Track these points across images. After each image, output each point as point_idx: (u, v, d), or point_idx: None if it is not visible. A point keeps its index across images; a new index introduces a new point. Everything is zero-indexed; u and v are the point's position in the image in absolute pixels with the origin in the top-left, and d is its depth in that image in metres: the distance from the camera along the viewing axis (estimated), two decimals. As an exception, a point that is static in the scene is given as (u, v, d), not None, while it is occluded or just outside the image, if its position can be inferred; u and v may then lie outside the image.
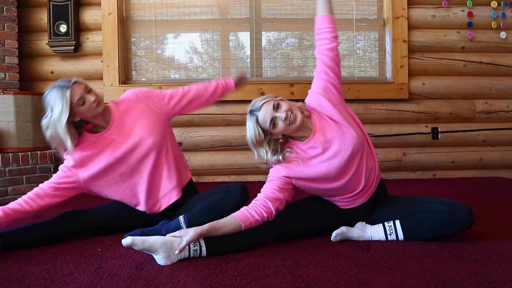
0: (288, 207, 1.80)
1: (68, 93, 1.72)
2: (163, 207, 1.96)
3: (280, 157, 1.72)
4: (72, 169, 1.84)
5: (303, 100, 1.81)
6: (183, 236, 1.51)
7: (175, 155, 1.99)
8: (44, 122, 1.73)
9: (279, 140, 1.74)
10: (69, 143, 1.73)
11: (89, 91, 1.80)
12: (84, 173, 1.85)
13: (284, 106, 1.67)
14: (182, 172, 2.03)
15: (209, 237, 1.59)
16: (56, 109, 1.70)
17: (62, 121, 1.70)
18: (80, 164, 1.84)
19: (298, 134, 1.73)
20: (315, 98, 1.76)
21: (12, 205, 1.76)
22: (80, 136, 1.85)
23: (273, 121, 1.66)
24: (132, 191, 1.92)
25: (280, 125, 1.66)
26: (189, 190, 2.06)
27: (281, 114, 1.65)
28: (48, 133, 1.74)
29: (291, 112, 1.66)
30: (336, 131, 1.71)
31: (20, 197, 1.80)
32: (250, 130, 1.70)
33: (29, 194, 1.80)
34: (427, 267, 1.43)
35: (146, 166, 1.90)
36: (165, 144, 1.94)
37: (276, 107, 1.67)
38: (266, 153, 1.72)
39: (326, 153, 1.70)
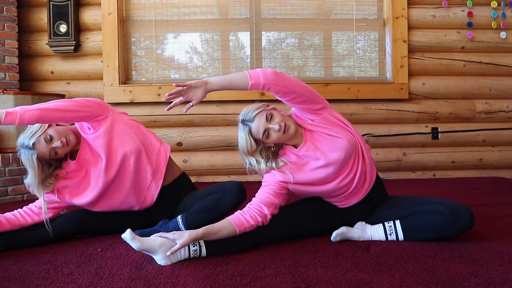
0: (288, 208, 1.80)
1: (34, 159, 1.75)
2: (155, 195, 1.96)
3: (274, 164, 1.73)
4: (60, 198, 1.88)
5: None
6: (177, 239, 1.50)
7: (143, 143, 1.92)
8: (25, 181, 1.83)
9: (271, 148, 1.75)
10: (42, 199, 1.80)
11: (51, 138, 1.77)
12: (71, 200, 1.89)
13: (277, 117, 1.68)
14: (154, 154, 1.94)
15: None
16: (29, 173, 1.78)
17: (34, 185, 1.78)
18: (68, 194, 1.88)
19: (290, 142, 1.75)
20: (298, 112, 1.77)
21: (8, 215, 1.80)
22: (62, 164, 1.89)
23: (266, 132, 1.66)
24: (120, 199, 1.92)
25: (273, 135, 1.67)
26: (182, 181, 2.06)
27: (275, 125, 1.65)
28: (29, 189, 1.83)
29: (284, 122, 1.67)
30: (326, 139, 1.72)
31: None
32: (242, 140, 1.70)
33: (25, 209, 1.85)
34: (427, 267, 1.43)
35: (127, 171, 1.89)
36: (137, 144, 1.89)
37: (269, 118, 1.67)
38: (258, 162, 1.72)
39: (319, 161, 1.71)
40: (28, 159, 1.75)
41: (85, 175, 1.90)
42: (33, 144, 1.74)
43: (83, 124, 1.86)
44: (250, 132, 1.68)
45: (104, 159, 1.84)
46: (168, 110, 1.69)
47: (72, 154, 1.91)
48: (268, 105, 1.72)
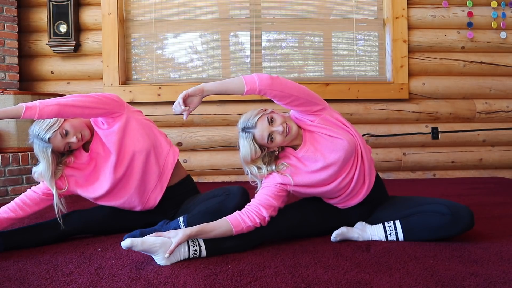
0: (288, 207, 1.80)
1: (49, 153, 1.75)
2: (158, 198, 1.96)
3: (274, 167, 1.73)
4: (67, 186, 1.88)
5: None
6: (173, 238, 1.51)
7: (153, 144, 1.92)
8: (34, 169, 1.82)
9: (275, 152, 1.75)
10: (54, 190, 1.80)
11: (66, 133, 1.76)
12: (77, 191, 1.89)
13: (278, 119, 1.68)
14: (162, 156, 1.94)
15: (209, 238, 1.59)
16: (42, 164, 1.78)
17: (47, 176, 1.78)
18: (74, 184, 1.88)
19: (291, 143, 1.75)
20: (297, 114, 1.77)
21: (6, 212, 1.77)
22: (73, 153, 1.88)
23: (271, 135, 1.66)
24: (124, 197, 1.92)
25: (278, 138, 1.67)
26: (186, 183, 2.06)
27: (278, 128, 1.65)
28: (35, 177, 1.83)
29: (286, 123, 1.67)
30: (325, 140, 1.72)
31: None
32: (246, 148, 1.68)
33: (23, 198, 1.81)
34: (427, 267, 1.43)
35: (135, 171, 1.89)
36: (147, 145, 1.89)
37: (271, 121, 1.67)
38: (260, 169, 1.72)
39: (319, 163, 1.71)
40: (42, 152, 1.75)
41: (94, 168, 1.90)
42: (49, 138, 1.73)
43: (97, 119, 1.86)
44: (254, 138, 1.67)
45: (115, 156, 1.84)
46: (186, 119, 1.67)
47: (84, 145, 1.90)
48: (266, 109, 1.71)
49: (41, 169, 1.77)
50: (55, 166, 1.80)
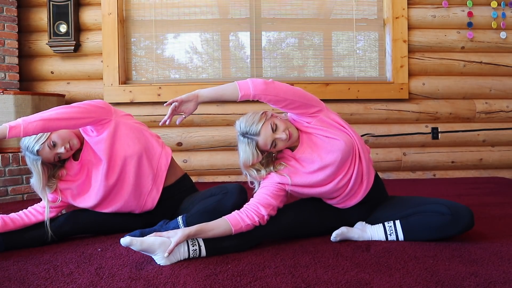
0: (288, 208, 1.80)
1: (39, 165, 1.76)
2: (156, 200, 1.96)
3: (272, 168, 1.74)
4: (62, 199, 1.89)
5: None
6: (172, 237, 1.51)
7: (144, 148, 1.91)
8: (30, 181, 1.84)
9: (273, 154, 1.76)
10: (46, 202, 1.81)
11: (54, 145, 1.77)
12: (73, 202, 1.91)
13: (281, 125, 1.68)
14: (155, 158, 1.94)
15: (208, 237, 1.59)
16: (34, 176, 1.80)
17: (38, 188, 1.80)
18: (70, 196, 1.90)
19: (289, 145, 1.75)
20: (294, 116, 1.78)
21: (13, 216, 1.81)
22: (65, 165, 1.89)
23: (274, 142, 1.67)
24: (120, 202, 1.92)
25: (280, 144, 1.68)
26: (183, 182, 2.06)
27: (282, 135, 1.66)
28: (34, 189, 1.84)
29: (288, 130, 1.68)
30: (322, 141, 1.72)
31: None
32: (248, 153, 1.68)
33: (30, 208, 1.86)
34: (427, 267, 1.43)
35: (128, 176, 1.89)
36: (138, 149, 1.89)
37: (275, 128, 1.67)
38: (259, 171, 1.73)
39: (315, 163, 1.71)
40: (33, 164, 1.76)
41: (87, 176, 1.90)
42: (37, 151, 1.74)
43: (86, 127, 1.85)
44: (257, 145, 1.67)
45: (106, 163, 1.84)
46: (161, 125, 1.71)
47: (75, 154, 1.90)
48: (266, 113, 1.71)
49: (33, 181, 1.80)
50: (46, 178, 1.81)
